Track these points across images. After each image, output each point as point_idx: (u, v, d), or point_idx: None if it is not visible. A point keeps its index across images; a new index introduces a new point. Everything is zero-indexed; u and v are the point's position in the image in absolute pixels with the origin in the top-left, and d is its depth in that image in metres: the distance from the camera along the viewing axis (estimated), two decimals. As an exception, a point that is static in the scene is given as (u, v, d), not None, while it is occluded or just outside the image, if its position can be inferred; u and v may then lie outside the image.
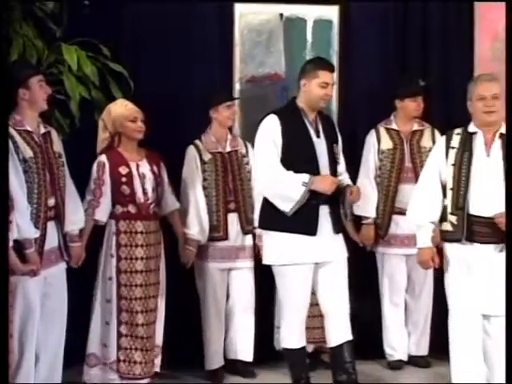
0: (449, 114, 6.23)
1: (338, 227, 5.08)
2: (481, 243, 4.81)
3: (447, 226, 4.86)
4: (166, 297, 5.57)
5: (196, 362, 5.81)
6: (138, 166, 5.38)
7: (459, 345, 4.89)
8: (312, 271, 5.03)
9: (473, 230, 4.79)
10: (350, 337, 5.06)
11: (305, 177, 4.88)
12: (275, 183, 4.97)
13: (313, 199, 4.90)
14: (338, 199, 5.03)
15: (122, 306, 5.29)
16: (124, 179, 5.31)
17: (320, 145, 5.04)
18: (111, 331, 5.30)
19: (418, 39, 6.44)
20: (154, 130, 5.47)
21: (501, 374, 4.88)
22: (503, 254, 4.78)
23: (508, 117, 4.71)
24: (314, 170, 4.95)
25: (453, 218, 4.83)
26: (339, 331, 5.06)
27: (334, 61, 6.21)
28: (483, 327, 4.90)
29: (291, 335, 5.11)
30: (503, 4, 6.36)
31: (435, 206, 4.88)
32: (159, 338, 5.50)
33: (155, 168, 5.44)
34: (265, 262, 5.16)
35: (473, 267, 4.81)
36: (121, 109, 5.35)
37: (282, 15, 6.17)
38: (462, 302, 4.86)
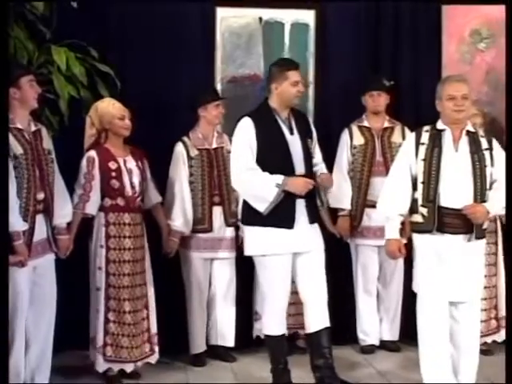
0: (417, 111, 6.26)
1: (313, 217, 5.08)
2: (450, 234, 4.83)
3: (418, 218, 4.87)
4: (156, 285, 5.56)
5: (180, 347, 5.79)
6: (125, 161, 5.39)
7: (427, 330, 4.89)
8: (291, 261, 5.04)
9: (443, 221, 4.81)
10: (327, 323, 5.09)
11: (278, 178, 4.89)
12: (250, 185, 4.99)
13: (289, 195, 4.91)
14: (313, 191, 5.04)
15: (110, 294, 5.29)
16: (114, 174, 5.32)
17: (294, 141, 5.04)
18: (100, 317, 5.29)
19: (389, 42, 6.44)
20: (141, 127, 5.47)
21: (467, 357, 4.96)
22: (471, 244, 4.86)
23: (508, 117, 4.79)
24: (288, 167, 4.96)
25: (424, 210, 4.83)
26: (317, 318, 5.08)
27: (311, 62, 6.30)
28: (450, 313, 4.92)
29: (272, 323, 5.13)
30: (470, 9, 6.43)
31: (404, 199, 4.88)
32: (154, 326, 5.50)
33: (140, 163, 5.46)
34: (246, 253, 5.17)
35: (443, 256, 4.83)
36: (109, 107, 5.34)
37: (261, 19, 6.18)
38: (430, 289, 4.86)
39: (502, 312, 6.06)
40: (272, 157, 4.95)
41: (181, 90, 5.95)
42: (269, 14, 6.17)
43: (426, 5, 6.42)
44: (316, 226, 5.14)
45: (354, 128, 6.12)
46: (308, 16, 6.22)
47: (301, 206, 5.00)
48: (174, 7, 5.97)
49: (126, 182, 5.35)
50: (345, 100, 6.28)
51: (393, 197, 4.93)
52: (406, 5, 6.42)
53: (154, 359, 5.49)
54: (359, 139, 6.09)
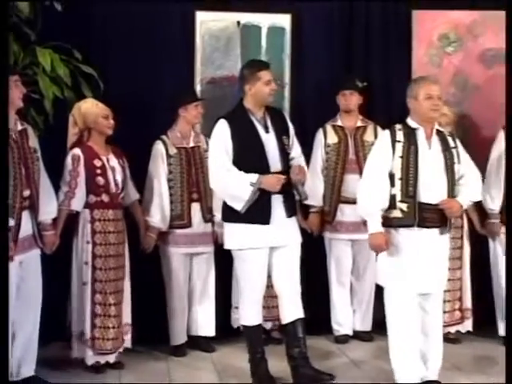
0: (389, 111, 6.27)
1: (291, 211, 5.08)
2: (427, 228, 4.85)
3: (397, 213, 4.85)
4: (135, 279, 5.57)
5: (162, 338, 5.80)
6: (108, 159, 5.42)
7: (397, 321, 4.91)
8: (268, 255, 5.06)
9: (422, 215, 4.82)
10: (301, 314, 5.11)
11: (253, 177, 4.89)
12: (226, 185, 5.00)
13: (265, 192, 4.92)
14: (290, 186, 5.04)
15: (96, 288, 5.30)
16: (99, 171, 5.33)
17: (269, 140, 5.04)
18: (86, 311, 5.29)
19: (362, 45, 6.46)
20: (122, 126, 5.47)
21: (435, 346, 4.99)
22: (442, 237, 4.91)
23: (508, 117, 4.76)
24: (263, 165, 4.96)
25: (403, 206, 4.82)
26: (292, 309, 5.10)
27: (287, 63, 6.29)
28: (420, 304, 4.92)
29: (249, 314, 5.14)
30: (438, 14, 6.47)
31: (384, 195, 4.86)
32: (128, 317, 5.51)
33: (121, 162, 5.47)
34: (225, 247, 5.18)
35: (418, 250, 4.84)
36: (93, 107, 5.36)
37: (239, 23, 6.19)
38: (403, 282, 4.86)
39: (466, 304, 6.12)
40: (247, 156, 4.96)
41: (161, 91, 5.97)
42: (246, 17, 6.18)
43: (397, 10, 6.46)
44: (294, 219, 5.15)
45: (328, 127, 6.14)
46: (284, 20, 6.22)
47: (278, 201, 5.00)
48: (156, 11, 6.00)
49: (110, 179, 5.37)
50: (319, 100, 6.31)
51: (373, 193, 4.89)
52: (377, 10, 6.45)
53: (122, 348, 5.49)
54: (333, 138, 6.11)
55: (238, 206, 4.94)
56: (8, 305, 4.25)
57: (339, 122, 6.15)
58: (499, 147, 5.99)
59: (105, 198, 5.34)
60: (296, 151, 5.22)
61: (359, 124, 6.15)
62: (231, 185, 4.97)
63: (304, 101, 6.33)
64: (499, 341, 6.05)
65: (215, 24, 6.12)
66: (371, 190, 4.90)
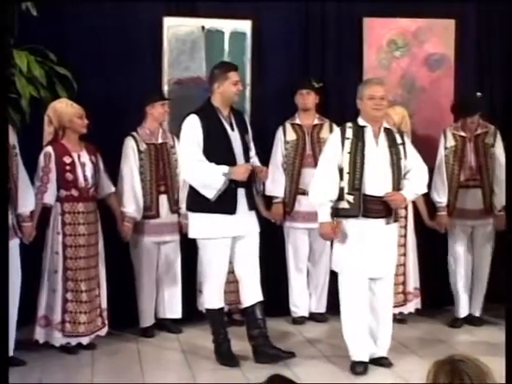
0: (342, 110, 6.28)
1: (252, 204, 5.15)
2: (373, 218, 4.90)
3: (344, 204, 4.91)
4: (108, 266, 5.58)
5: (132, 321, 5.82)
6: (79, 156, 5.41)
7: (349, 303, 4.98)
8: (230, 244, 5.09)
9: (367, 207, 4.88)
10: (261, 298, 5.15)
11: (224, 168, 4.93)
12: (199, 174, 5.02)
13: (232, 184, 4.97)
14: (251, 181, 5.10)
15: (67, 276, 5.29)
16: (68, 167, 5.34)
17: (235, 137, 5.10)
18: (57, 297, 5.29)
19: (317, 49, 6.50)
20: (95, 124, 5.47)
21: (384, 326, 5.07)
22: (389, 226, 4.98)
23: (509, 121, 4.68)
24: (230, 159, 5.02)
25: (350, 198, 4.89)
26: (252, 293, 5.15)
27: (248, 66, 6.29)
28: (370, 287, 5.00)
29: (212, 298, 5.17)
30: (387, 22, 6.54)
31: (333, 188, 4.91)
32: (104, 302, 5.52)
33: (93, 158, 5.47)
34: (190, 236, 5.21)
35: (365, 238, 4.90)
36: (67, 107, 5.35)
37: (203, 28, 6.18)
38: (352, 268, 4.94)
39: (409, 288, 6.17)
40: (217, 150, 5.01)
41: (131, 91, 5.94)
42: (210, 23, 6.18)
43: (350, 17, 6.48)
44: (253, 212, 5.21)
45: (288, 125, 6.18)
46: (245, 26, 6.23)
47: (241, 194, 5.06)
48: (127, 17, 5.99)
49: (79, 174, 5.36)
50: (279, 100, 6.31)
51: (323, 186, 4.95)
52: (331, 17, 6.49)
53: (104, 332, 5.51)
54: (292, 135, 6.15)
55: (210, 194, 4.97)
56: (8, 304, 4.26)
57: (297, 120, 6.19)
58: (441, 146, 6.09)
59: (74, 192, 5.34)
60: (252, 152, 5.28)
61: (316, 122, 6.19)
62: (203, 174, 4.99)
63: (264, 101, 6.34)
64: (446, 322, 6.18)
65: (181, 29, 6.11)
66: (322, 183, 4.97)
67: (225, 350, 5.15)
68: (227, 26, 6.22)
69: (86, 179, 5.38)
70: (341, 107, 6.37)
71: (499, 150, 6.05)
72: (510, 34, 6.62)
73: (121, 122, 5.89)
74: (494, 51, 6.75)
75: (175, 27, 6.10)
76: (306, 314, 6.28)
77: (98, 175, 5.48)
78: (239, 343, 5.25)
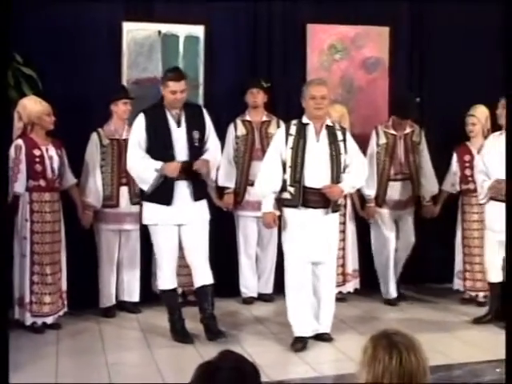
0: (288, 108, 6.28)
1: (196, 196, 5.09)
2: (312, 208, 4.94)
3: (287, 195, 4.97)
4: (72, 251, 5.59)
5: (94, 302, 5.82)
6: (47, 149, 5.41)
7: (292, 285, 5.02)
8: (177, 230, 5.09)
9: (307, 198, 4.92)
10: (210, 281, 5.15)
11: (158, 164, 4.94)
12: (136, 169, 5.07)
13: (168, 178, 4.97)
14: (194, 175, 5.04)
15: (34, 260, 5.30)
16: (37, 159, 5.34)
17: (179, 133, 5.04)
18: (25, 280, 5.29)
19: (265, 52, 6.52)
20: (60, 120, 5.45)
21: (326, 306, 5.12)
22: (329, 216, 5.00)
23: (508, 118, 4.74)
24: (169, 154, 4.99)
25: (291, 189, 4.93)
26: (201, 276, 5.15)
27: (201, 67, 6.28)
28: (312, 271, 5.05)
29: (164, 279, 5.20)
30: (328, 28, 6.59)
31: (277, 180, 4.96)
32: (64, 285, 5.52)
33: (59, 151, 5.47)
34: (143, 222, 5.27)
35: (306, 226, 4.94)
36: (37, 105, 5.34)
37: (160, 32, 6.14)
38: (295, 253, 4.98)
39: (348, 269, 6.25)
40: (157, 146, 5.00)
41: (93, 90, 5.89)
42: (166, 28, 6.14)
43: (294, 23, 6.50)
44: (201, 202, 5.16)
45: (238, 121, 6.20)
46: (198, 30, 6.22)
47: (184, 186, 5.03)
48: (89, 21, 5.92)
49: (47, 166, 5.36)
50: (229, 98, 6.30)
51: (267, 178, 5.00)
52: (278, 23, 6.50)
53: (63, 312, 5.51)
54: (242, 130, 6.19)
55: (145, 187, 5.04)
56: (7, 305, 4.24)
57: (247, 117, 6.22)
58: (373, 143, 6.18)
59: (42, 182, 5.33)
60: (211, 143, 5.21)
61: (264, 118, 6.22)
62: (140, 169, 5.04)
63: (216, 99, 6.30)
64: (381, 300, 6.27)
65: (139, 33, 6.07)
66: (266, 176, 5.02)
67: (179, 328, 5.16)
68: (182, 30, 6.20)
69: (53, 171, 5.38)
70: (287, 105, 6.37)
71: (424, 147, 6.20)
72: (439, 40, 6.77)
73: (83, 119, 5.82)
74: (425, 55, 6.87)
75: (134, 31, 6.07)
76: (255, 295, 6.33)
77: (62, 168, 5.49)
78: (192, 322, 5.27)
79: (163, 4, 6.15)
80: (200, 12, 6.24)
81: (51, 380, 4.41)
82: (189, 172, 5.00)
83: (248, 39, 6.47)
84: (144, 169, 5.00)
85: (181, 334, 5.15)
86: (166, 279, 5.19)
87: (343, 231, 6.18)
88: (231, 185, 6.17)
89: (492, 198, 5.49)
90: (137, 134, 5.04)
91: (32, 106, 5.32)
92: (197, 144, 5.09)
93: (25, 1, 5.53)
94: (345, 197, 6.05)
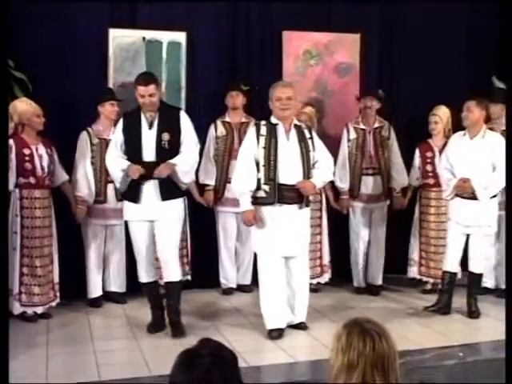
0: (265, 111, 6.34)
1: (163, 196, 4.95)
2: (287, 204, 4.95)
3: (262, 193, 4.94)
4: (62, 245, 5.61)
5: (83, 293, 5.83)
6: (37, 148, 5.42)
7: (266, 277, 5.03)
8: (149, 226, 5.02)
9: (281, 194, 4.92)
10: (177, 277, 5.08)
11: (124, 164, 4.92)
12: (110, 168, 5.10)
13: (139, 177, 4.91)
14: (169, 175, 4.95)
15: (24, 253, 5.31)
16: (27, 158, 5.34)
17: (149, 135, 4.95)
18: (15, 272, 5.27)
19: (244, 57, 6.55)
20: (51, 120, 5.49)
21: (300, 297, 5.11)
22: (302, 211, 5.01)
23: (508, 118, 4.72)
24: (137, 155, 4.93)
25: (266, 187, 4.91)
26: (169, 272, 5.07)
27: (183, 71, 6.27)
28: (286, 265, 5.04)
29: (142, 273, 5.14)
30: (303, 35, 6.62)
31: (251, 178, 4.94)
32: (56, 277, 5.54)
33: (49, 150, 5.48)
34: (123, 218, 5.22)
35: (281, 222, 4.94)
36: (27, 106, 5.35)
37: (144, 38, 6.15)
38: (269, 248, 4.99)
39: (324, 261, 6.29)
40: (129, 147, 4.97)
41: (81, 92, 5.91)
42: (150, 34, 6.15)
43: (271, 30, 6.55)
44: (172, 201, 5.02)
45: (218, 123, 6.23)
46: (180, 37, 6.22)
47: (151, 185, 4.93)
48: (78, 28, 5.93)
49: (37, 164, 5.36)
50: (209, 100, 6.32)
51: (243, 177, 4.98)
52: (256, 30, 6.55)
53: (55, 302, 5.52)
54: (222, 131, 6.21)
55: (117, 185, 5.13)
56: (8, 304, 4.23)
57: (227, 118, 6.24)
58: (344, 139, 6.25)
59: (32, 180, 5.33)
60: (186, 146, 5.04)
61: (243, 120, 6.23)
62: (112, 169, 5.06)
63: (197, 101, 6.34)
64: (352, 290, 6.34)
65: (125, 39, 6.07)
66: (242, 175, 4.99)
67: (157, 318, 5.11)
68: (165, 36, 6.20)
69: (42, 169, 5.38)
70: (264, 108, 6.39)
71: (394, 143, 6.27)
72: (406, 47, 6.87)
73: (72, 120, 5.85)
74: (393, 61, 6.95)
75: (119, 38, 6.07)
76: (234, 286, 6.37)
77: (53, 166, 5.49)
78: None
79: (147, 12, 6.17)
80: (182, 19, 6.25)
81: (42, 365, 4.42)
82: (152, 172, 4.91)
83: (227, 45, 6.50)
84: (115, 168, 5.01)
85: (157, 325, 5.10)
86: (142, 272, 5.14)
87: (319, 225, 6.24)
88: (211, 182, 6.19)
89: (457, 195, 5.59)
90: (116, 135, 5.06)
91: (22, 107, 5.33)
92: (166, 146, 4.95)
93: (16, 9, 5.51)
94: (320, 192, 6.13)
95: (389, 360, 2.25)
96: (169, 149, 4.96)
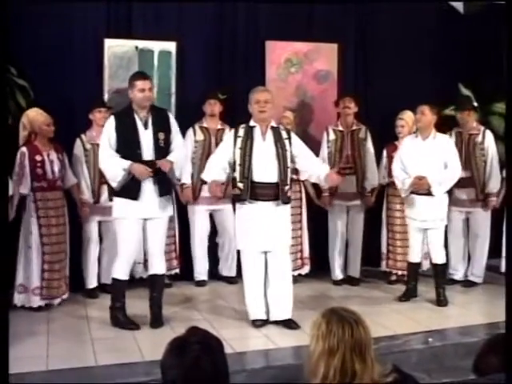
0: (249, 115, 6.34)
1: (161, 191, 4.93)
2: (261, 201, 4.90)
3: (237, 191, 4.92)
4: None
5: (80, 285, 5.83)
6: (48, 154, 5.43)
7: (246, 272, 5.04)
8: (141, 224, 4.94)
9: (255, 192, 4.87)
10: (163, 270, 5.09)
11: (126, 163, 4.79)
12: (106, 167, 4.92)
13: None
14: (159, 172, 4.89)
15: (44, 251, 5.34)
16: (39, 164, 5.37)
17: (146, 135, 4.89)
18: (35, 268, 5.30)
19: (229, 65, 6.56)
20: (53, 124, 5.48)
21: (285, 291, 4.97)
22: (279, 207, 4.92)
23: (508, 118, 4.75)
24: (137, 155, 4.85)
25: (241, 185, 4.87)
26: (156, 265, 5.04)
27: (173, 79, 6.28)
28: (267, 259, 4.97)
29: (121, 270, 4.98)
30: (285, 44, 6.65)
31: (217, 171, 4.94)
32: (67, 270, 5.59)
33: (60, 155, 5.50)
34: (113, 215, 5.07)
35: (256, 218, 4.89)
36: (38, 116, 5.37)
37: (137, 47, 6.16)
38: (248, 243, 4.96)
39: (305, 254, 6.32)
40: (126, 146, 4.85)
41: (78, 98, 5.92)
42: (143, 44, 6.16)
43: (255, 39, 6.58)
44: (166, 197, 5.00)
45: (197, 127, 6.21)
46: (171, 46, 6.24)
47: (150, 182, 4.87)
48: (75, 38, 5.95)
49: (47, 169, 5.39)
50: (199, 106, 6.22)
51: (210, 168, 5.02)
52: (241, 39, 6.57)
53: (66, 295, 5.56)
54: (200, 136, 6.19)
55: (114, 184, 4.91)
56: (8, 305, 4.19)
57: (205, 124, 6.22)
58: (324, 141, 6.28)
59: (44, 183, 5.37)
60: (176, 145, 5.02)
61: (219, 126, 6.21)
62: (109, 168, 4.88)
63: (186, 106, 6.33)
64: (330, 282, 6.35)
65: (119, 48, 6.08)
66: (208, 167, 5.05)
67: (121, 316, 4.97)
68: (156, 46, 6.21)
69: (53, 173, 5.41)
70: (247, 113, 6.44)
71: (369, 144, 6.31)
72: (380, 56, 6.93)
73: (70, 125, 5.84)
74: (368, 69, 7.00)
75: (114, 47, 6.08)
76: (206, 278, 6.32)
77: (63, 170, 5.53)
78: (142, 305, 5.17)
79: (140, 23, 6.18)
80: (172, 30, 6.27)
81: (43, 352, 4.43)
82: (154, 170, 4.87)
83: (215, 54, 6.51)
84: (113, 167, 4.85)
85: (123, 322, 4.96)
86: (122, 269, 4.97)
87: (300, 221, 6.26)
88: (187, 181, 6.14)
89: (412, 192, 5.65)
90: (107, 134, 4.88)
91: (34, 117, 5.35)
92: (162, 145, 4.92)
93: (18, 19, 5.50)
94: (300, 190, 6.16)
95: (365, 345, 2.28)
96: (164, 147, 4.95)
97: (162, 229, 5.04)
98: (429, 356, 4.56)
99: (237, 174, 4.91)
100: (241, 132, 4.97)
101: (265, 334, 4.86)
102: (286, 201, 4.99)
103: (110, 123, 4.90)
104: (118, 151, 4.86)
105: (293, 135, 5.12)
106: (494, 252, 6.34)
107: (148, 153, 4.89)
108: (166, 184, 5.00)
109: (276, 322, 5.01)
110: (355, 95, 6.36)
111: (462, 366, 3.94)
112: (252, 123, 5.00)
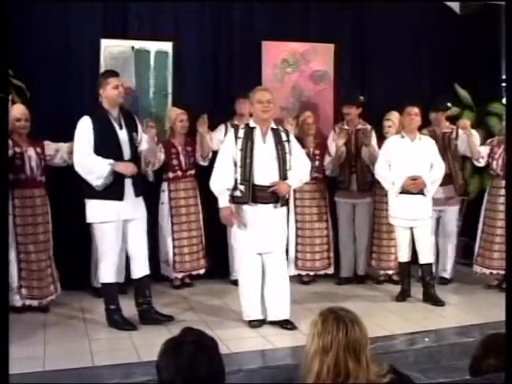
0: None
1: (139, 192, 4.92)
2: (261, 204, 4.88)
3: (238, 193, 4.88)
4: (67, 237, 5.60)
5: (78, 285, 5.85)
6: (26, 150, 5.32)
7: (243, 273, 5.02)
8: (121, 226, 4.89)
9: (256, 194, 4.84)
10: (148, 271, 5.05)
11: (109, 161, 4.72)
12: (87, 166, 4.74)
13: (119, 174, 4.78)
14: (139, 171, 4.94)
15: (20, 250, 5.25)
16: (18, 155, 5.24)
17: (123, 135, 4.87)
18: (13, 267, 5.22)
19: (226, 65, 6.55)
20: (47, 125, 5.50)
21: (282, 290, 4.96)
22: (277, 210, 4.92)
23: (508, 118, 4.78)
24: (118, 154, 4.81)
25: (241, 187, 4.85)
26: (141, 267, 5.01)
27: (169, 79, 6.26)
28: (265, 262, 4.95)
29: (108, 273, 4.93)
30: (281, 44, 6.64)
31: (229, 178, 4.85)
32: (55, 271, 5.48)
33: (39, 150, 5.37)
34: (88, 221, 4.94)
35: (256, 220, 4.87)
36: (13, 111, 5.25)
37: (133, 48, 6.14)
38: (246, 245, 4.94)
39: (330, 253, 6.34)
40: (106, 146, 4.76)
41: (74, 97, 5.91)
42: (139, 44, 6.15)
43: (252, 40, 6.55)
44: (140, 198, 4.98)
45: (229, 125, 5.96)
46: (167, 46, 6.22)
47: (129, 183, 4.84)
48: (72, 38, 5.95)
49: (26, 164, 5.25)
50: (195, 105, 6.17)
51: (222, 177, 4.89)
52: (237, 39, 6.55)
53: (55, 296, 5.48)
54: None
55: (97, 182, 4.72)
56: (8, 301, 4.16)
57: (236, 122, 5.97)
58: (330, 139, 6.25)
59: (22, 177, 5.22)
60: (143, 144, 5.06)
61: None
62: (91, 165, 4.71)
63: (182, 106, 6.24)
64: (335, 281, 6.33)
65: (115, 48, 6.06)
66: (220, 175, 4.88)
67: (118, 318, 4.95)
68: (153, 46, 6.21)
69: (31, 168, 5.27)
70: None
71: (373, 143, 6.29)
72: (375, 56, 6.94)
73: (65, 124, 5.78)
74: (364, 69, 7.01)
75: (110, 47, 6.06)
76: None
77: (43, 164, 5.37)
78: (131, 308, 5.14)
79: (136, 23, 6.14)
80: (169, 30, 6.27)
81: (40, 352, 4.43)
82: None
83: (211, 54, 6.50)
84: (99, 162, 4.71)
85: (119, 323, 4.94)
86: (109, 273, 4.92)
87: (326, 220, 6.32)
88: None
89: (401, 192, 5.65)
90: (85, 134, 4.76)
91: (11, 112, 5.23)
92: (136, 144, 4.96)
93: (14, 19, 5.49)
94: (323, 189, 6.23)
95: (360, 345, 2.29)
96: (136, 147, 4.97)
97: (143, 230, 5.01)
98: (425, 356, 4.56)
99: (238, 176, 4.86)
100: (241, 133, 4.91)
101: (261, 334, 4.85)
102: (284, 203, 4.99)
103: (87, 123, 4.78)
104: (97, 152, 4.75)
105: (292, 138, 5.10)
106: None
107: (126, 152, 4.87)
108: (140, 184, 4.98)
109: (273, 323, 4.99)
110: (351, 101, 6.29)
111: (458, 365, 3.95)
112: (252, 124, 4.95)
